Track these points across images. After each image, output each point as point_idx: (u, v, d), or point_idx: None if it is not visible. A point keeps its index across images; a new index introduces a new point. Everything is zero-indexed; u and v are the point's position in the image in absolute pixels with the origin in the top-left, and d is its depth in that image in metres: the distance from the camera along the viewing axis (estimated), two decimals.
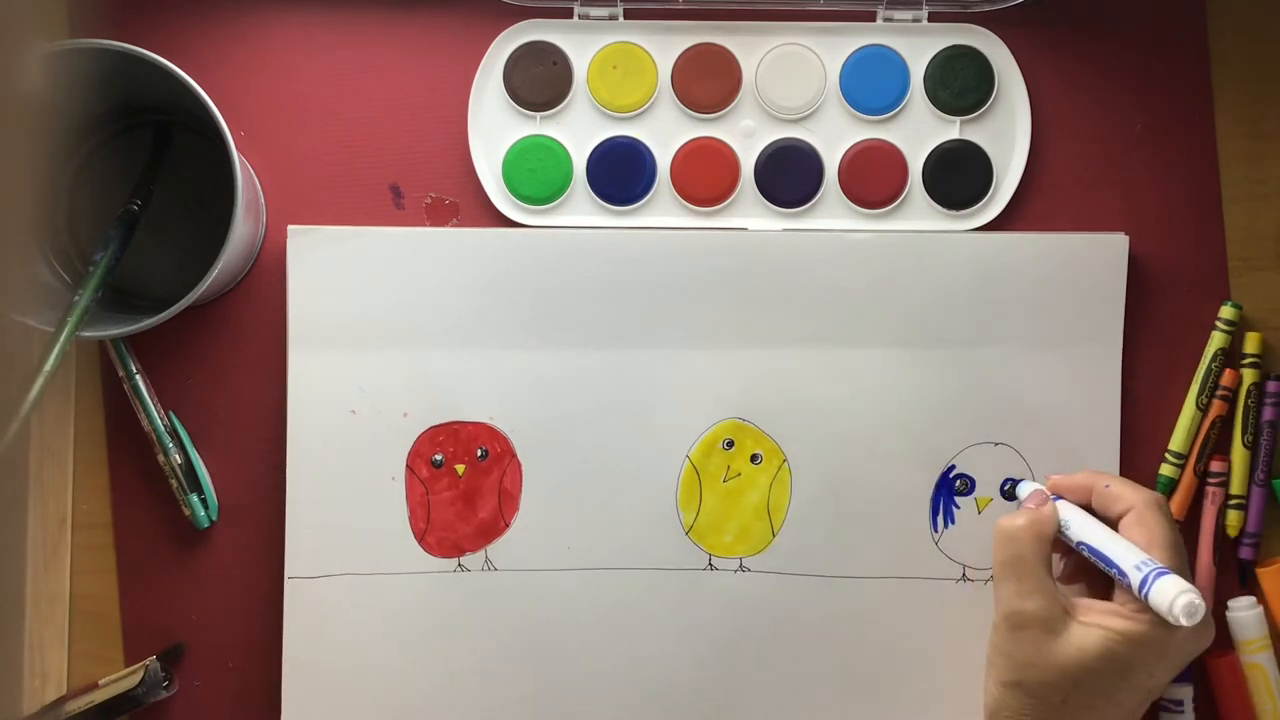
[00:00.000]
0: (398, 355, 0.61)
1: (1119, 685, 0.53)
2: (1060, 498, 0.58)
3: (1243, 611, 0.61)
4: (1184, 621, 0.50)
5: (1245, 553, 0.62)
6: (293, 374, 0.61)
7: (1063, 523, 0.56)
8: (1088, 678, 0.53)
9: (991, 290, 0.61)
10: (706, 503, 0.62)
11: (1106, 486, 0.56)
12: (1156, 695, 0.56)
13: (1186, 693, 0.61)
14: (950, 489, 0.62)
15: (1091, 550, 0.55)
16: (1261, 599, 0.61)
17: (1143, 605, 0.52)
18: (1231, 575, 0.63)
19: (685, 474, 0.62)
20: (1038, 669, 0.53)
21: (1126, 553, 0.53)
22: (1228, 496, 0.62)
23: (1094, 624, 0.53)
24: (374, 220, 0.63)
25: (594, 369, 0.61)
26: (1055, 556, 0.57)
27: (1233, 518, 0.62)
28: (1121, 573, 0.53)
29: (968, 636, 0.61)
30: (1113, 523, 0.56)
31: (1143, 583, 0.51)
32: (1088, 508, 0.57)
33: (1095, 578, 0.57)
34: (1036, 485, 0.59)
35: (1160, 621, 0.52)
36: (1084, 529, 0.55)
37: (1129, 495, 0.55)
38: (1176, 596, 0.50)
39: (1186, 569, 0.53)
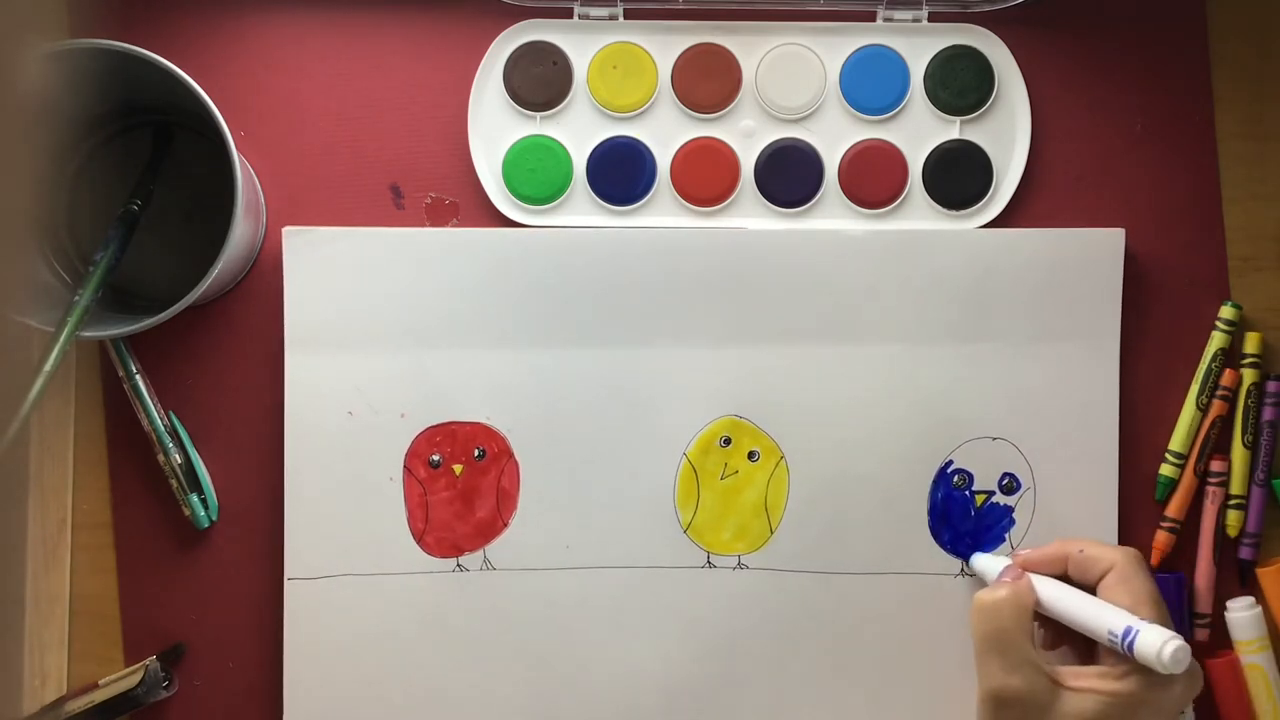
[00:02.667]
0: (394, 355, 0.61)
1: None
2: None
3: (1242, 612, 0.61)
4: (1173, 669, 0.50)
5: (1245, 553, 0.62)
6: (290, 375, 0.61)
7: (1039, 600, 0.56)
8: None
9: (988, 285, 0.61)
10: (704, 500, 0.62)
11: (1080, 552, 0.56)
12: None
13: None
14: (948, 484, 0.62)
15: (1070, 618, 0.55)
16: (1261, 599, 0.61)
17: (1132, 665, 0.52)
18: (1231, 575, 0.62)
19: (683, 472, 0.61)
20: None
21: (1105, 614, 0.53)
22: (1228, 496, 0.62)
23: (1086, 689, 0.53)
24: (374, 220, 0.63)
25: (591, 368, 0.61)
26: (1034, 624, 0.56)
27: (1233, 518, 0.62)
28: (1105, 634, 0.53)
29: (966, 632, 0.61)
30: (1093, 585, 0.55)
31: (1127, 638, 0.52)
32: (1062, 577, 0.57)
33: (1077, 641, 0.56)
34: (1004, 560, 0.59)
35: (1150, 678, 0.52)
36: (1060, 599, 0.55)
37: (1108, 555, 0.55)
38: (1163, 646, 0.51)
39: (1170, 620, 0.53)
